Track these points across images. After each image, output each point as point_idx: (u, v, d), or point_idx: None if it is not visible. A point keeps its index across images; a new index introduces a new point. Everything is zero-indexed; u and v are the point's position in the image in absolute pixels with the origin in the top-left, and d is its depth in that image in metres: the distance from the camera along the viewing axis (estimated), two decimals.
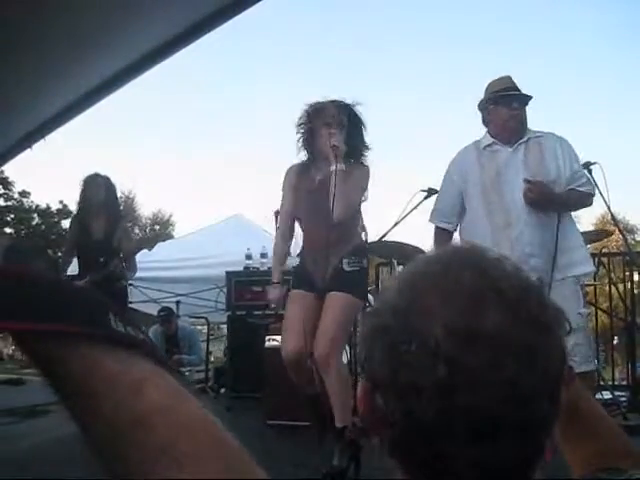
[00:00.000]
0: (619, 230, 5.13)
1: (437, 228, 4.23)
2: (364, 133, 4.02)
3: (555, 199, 3.86)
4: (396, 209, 4.97)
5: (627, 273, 6.51)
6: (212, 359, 9.38)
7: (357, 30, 48.41)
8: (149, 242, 6.06)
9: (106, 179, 5.76)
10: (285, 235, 4.14)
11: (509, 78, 4.16)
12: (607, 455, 0.99)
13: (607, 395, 5.45)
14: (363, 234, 4.11)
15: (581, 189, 3.96)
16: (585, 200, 4.01)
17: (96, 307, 0.57)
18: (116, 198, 6.01)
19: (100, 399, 0.54)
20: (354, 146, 3.93)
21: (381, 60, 48.66)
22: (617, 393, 5.60)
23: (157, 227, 36.09)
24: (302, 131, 4.00)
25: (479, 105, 4.20)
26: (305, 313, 3.84)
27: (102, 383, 0.55)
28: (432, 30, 48.40)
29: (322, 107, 3.94)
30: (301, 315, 3.83)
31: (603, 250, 7.32)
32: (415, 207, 4.83)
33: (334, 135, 3.82)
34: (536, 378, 0.73)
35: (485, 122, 4.17)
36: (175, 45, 4.37)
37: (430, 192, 4.83)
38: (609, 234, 6.18)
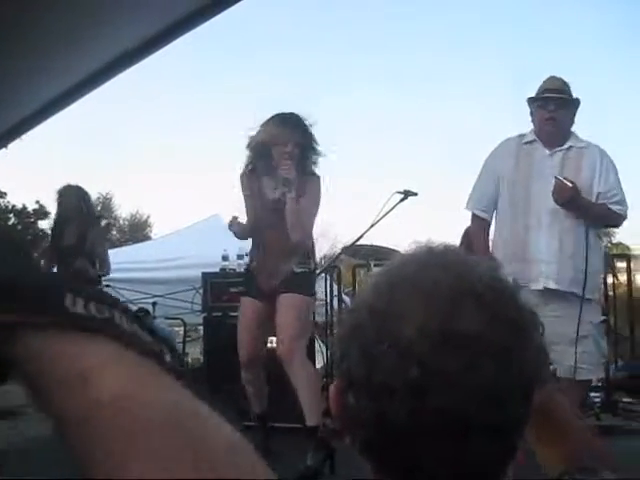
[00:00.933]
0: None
1: (473, 215, 4.15)
2: (316, 146, 4.15)
3: (582, 204, 3.77)
4: (372, 211, 4.95)
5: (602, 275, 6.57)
6: (190, 360, 9.32)
7: (333, 28, 48.48)
8: None
9: (78, 189, 6.23)
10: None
11: (556, 79, 4.07)
12: (578, 456, 0.99)
13: None
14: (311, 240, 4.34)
15: (612, 207, 3.87)
16: (613, 219, 3.96)
17: (48, 288, 0.49)
18: (89, 205, 6.46)
19: (49, 394, 0.47)
20: (306, 160, 4.12)
21: (356, 59, 48.79)
22: (592, 394, 5.64)
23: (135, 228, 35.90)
24: (253, 157, 4.20)
25: (527, 100, 4.11)
26: (257, 318, 4.14)
27: (47, 376, 0.47)
28: (406, 29, 48.68)
29: (275, 136, 4.05)
30: (253, 319, 4.15)
31: None
32: (391, 209, 4.83)
33: (286, 167, 3.96)
34: (511, 380, 0.73)
35: (532, 119, 4.10)
36: (153, 45, 4.33)
37: (406, 194, 4.84)
38: None
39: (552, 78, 4.07)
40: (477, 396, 0.71)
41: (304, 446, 3.85)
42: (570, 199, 3.72)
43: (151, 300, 9.29)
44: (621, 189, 3.90)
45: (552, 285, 3.74)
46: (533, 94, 4.07)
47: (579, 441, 1.06)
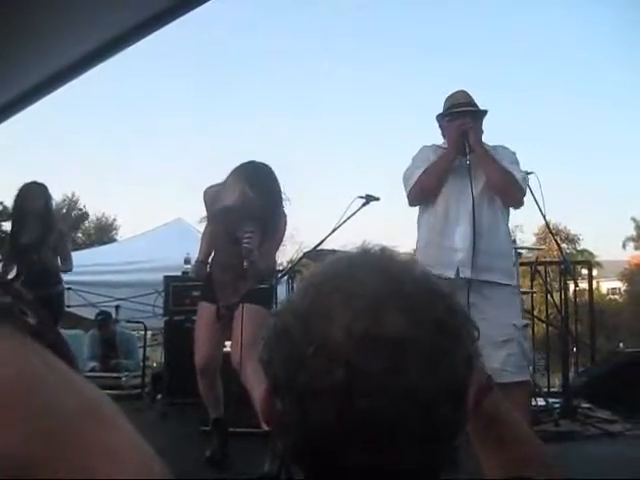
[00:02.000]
0: (553, 238, 5.20)
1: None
2: (281, 194, 4.15)
3: (484, 151, 3.92)
4: (334, 216, 4.93)
5: (564, 282, 6.65)
6: (154, 364, 9.25)
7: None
8: None
9: (41, 185, 6.02)
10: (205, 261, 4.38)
11: (463, 93, 4.16)
12: (522, 464, 0.98)
13: (541, 402, 5.53)
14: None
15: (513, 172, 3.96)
16: (513, 183, 3.94)
17: None
18: (50, 205, 6.19)
19: None
20: (271, 214, 4.09)
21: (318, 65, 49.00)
22: (551, 400, 5.69)
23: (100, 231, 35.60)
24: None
25: (436, 117, 4.20)
26: (215, 323, 4.12)
27: None
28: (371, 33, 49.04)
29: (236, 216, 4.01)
30: (211, 324, 4.12)
31: (540, 259, 7.43)
32: (353, 214, 4.82)
33: (247, 240, 3.93)
34: (438, 384, 0.71)
35: (443, 135, 4.18)
36: (117, 45, 4.28)
37: (368, 199, 4.83)
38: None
39: (461, 92, 4.16)
40: (403, 399, 0.69)
41: (262, 451, 3.82)
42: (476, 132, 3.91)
43: (114, 303, 9.22)
44: (520, 171, 4.03)
45: (482, 277, 3.80)
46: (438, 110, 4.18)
47: (524, 449, 1.05)
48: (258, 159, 4.23)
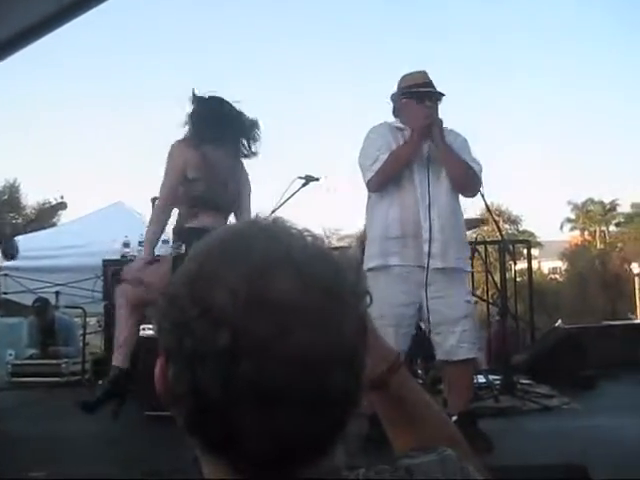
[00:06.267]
0: (492, 217, 5.25)
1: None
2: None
3: (447, 145, 3.90)
4: (273, 197, 4.90)
5: (504, 262, 6.75)
6: (98, 351, 9.10)
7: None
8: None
9: None
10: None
11: (425, 73, 4.13)
12: (431, 442, 0.96)
13: (482, 379, 5.60)
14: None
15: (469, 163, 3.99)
16: (470, 173, 3.99)
17: None
18: None
19: None
20: None
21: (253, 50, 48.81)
22: (491, 377, 5.76)
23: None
24: None
25: (391, 96, 4.15)
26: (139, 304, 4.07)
27: None
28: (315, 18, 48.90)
29: None
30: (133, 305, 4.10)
31: (479, 238, 7.50)
32: (292, 195, 4.80)
33: None
34: (327, 348, 0.70)
35: (395, 113, 4.15)
36: (48, 25, 4.16)
37: (308, 179, 4.81)
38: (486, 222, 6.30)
39: (422, 72, 4.14)
40: (292, 364, 0.68)
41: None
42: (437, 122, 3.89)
43: (54, 289, 9.09)
44: (475, 160, 4.06)
45: (439, 264, 3.83)
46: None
47: (432, 426, 1.05)
48: None
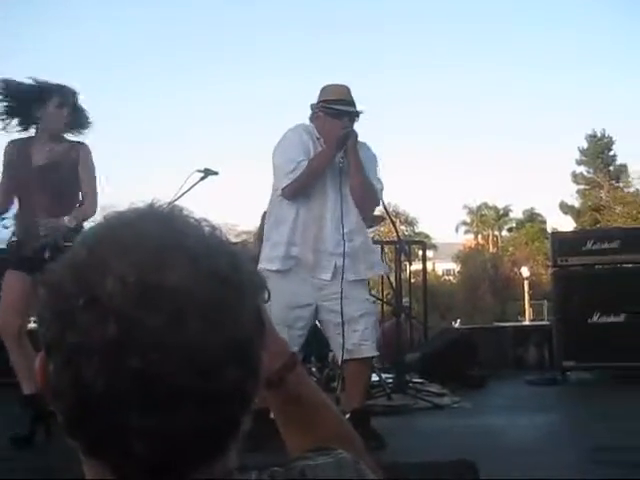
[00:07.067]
0: (389, 218, 5.31)
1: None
2: None
3: (358, 162, 3.92)
4: (170, 189, 4.81)
5: (399, 262, 6.84)
6: None
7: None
8: None
9: None
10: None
11: (347, 89, 4.11)
12: (326, 441, 0.93)
13: (375, 377, 5.66)
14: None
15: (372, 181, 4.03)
16: (373, 191, 4.04)
17: None
18: None
19: None
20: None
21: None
22: (384, 375, 5.84)
23: None
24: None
25: (311, 105, 4.13)
26: (23, 292, 3.92)
27: None
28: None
29: None
30: (18, 294, 3.94)
31: (376, 238, 7.58)
32: (191, 188, 4.70)
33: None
34: (219, 341, 0.66)
35: (312, 121, 4.13)
36: None
37: (207, 173, 4.73)
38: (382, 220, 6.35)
39: (344, 87, 4.14)
40: (182, 356, 0.64)
41: None
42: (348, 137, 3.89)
43: None
44: (379, 180, 4.13)
45: (351, 277, 3.87)
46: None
47: (328, 425, 1.03)
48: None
